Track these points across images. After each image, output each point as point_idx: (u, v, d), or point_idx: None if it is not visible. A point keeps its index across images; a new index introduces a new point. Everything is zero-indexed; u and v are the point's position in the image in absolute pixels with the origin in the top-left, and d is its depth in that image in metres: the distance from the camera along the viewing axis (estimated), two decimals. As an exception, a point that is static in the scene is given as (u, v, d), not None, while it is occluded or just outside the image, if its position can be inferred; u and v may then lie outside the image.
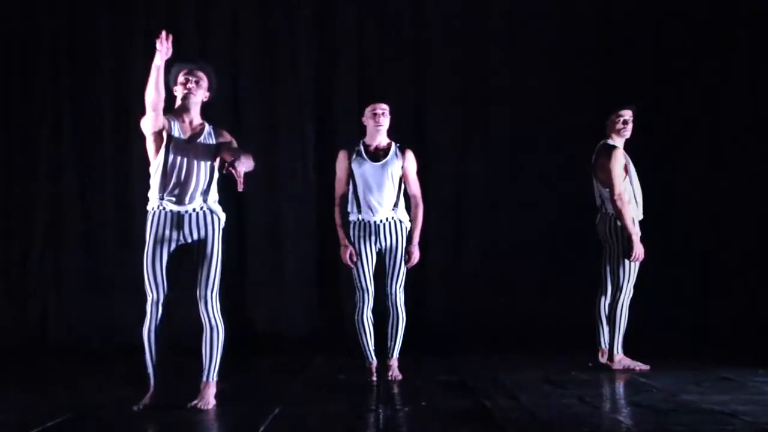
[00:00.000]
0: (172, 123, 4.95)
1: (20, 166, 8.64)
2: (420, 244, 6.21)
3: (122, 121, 8.61)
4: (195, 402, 4.91)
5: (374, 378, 6.07)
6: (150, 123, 4.89)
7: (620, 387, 5.68)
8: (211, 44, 8.71)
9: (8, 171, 8.64)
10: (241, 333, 8.12)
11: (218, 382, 5.01)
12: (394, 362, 6.14)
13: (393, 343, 6.12)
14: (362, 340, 6.14)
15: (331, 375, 6.43)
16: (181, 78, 5.01)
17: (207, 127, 5.08)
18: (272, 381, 6.27)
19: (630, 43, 8.69)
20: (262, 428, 4.38)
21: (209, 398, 4.94)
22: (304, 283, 8.70)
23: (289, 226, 8.73)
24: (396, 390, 5.68)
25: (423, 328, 7.86)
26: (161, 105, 4.85)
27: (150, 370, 4.96)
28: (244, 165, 4.81)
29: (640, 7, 8.73)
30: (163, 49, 4.72)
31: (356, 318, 6.14)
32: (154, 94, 4.79)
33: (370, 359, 6.16)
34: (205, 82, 5.03)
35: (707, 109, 8.65)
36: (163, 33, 4.72)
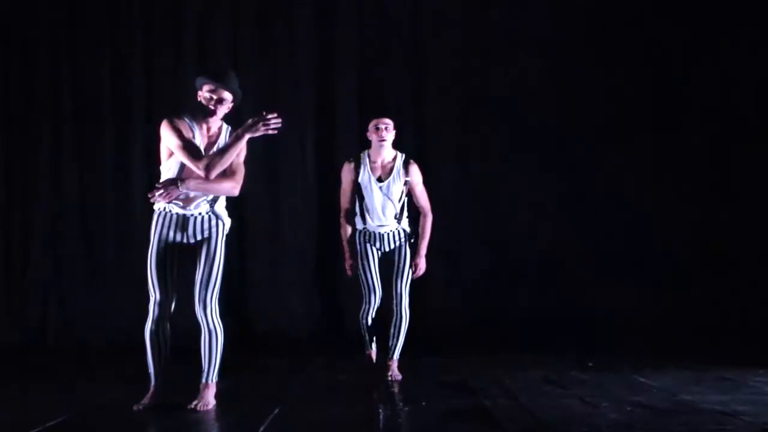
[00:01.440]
0: (193, 129, 4.92)
1: (20, 165, 8.64)
2: (427, 255, 6.21)
3: (123, 122, 8.62)
4: (194, 403, 4.90)
5: (372, 362, 6.16)
6: (186, 161, 4.82)
7: (620, 387, 5.67)
8: (211, 44, 8.72)
9: (8, 170, 8.64)
10: (241, 333, 8.13)
11: (218, 383, 5.01)
12: (394, 362, 6.15)
13: (394, 343, 6.13)
14: (364, 332, 6.20)
15: (331, 375, 6.43)
16: (206, 93, 4.91)
17: (224, 131, 5.01)
18: (272, 381, 6.27)
19: (631, 44, 8.71)
20: (262, 428, 4.38)
21: (209, 399, 4.94)
22: (304, 283, 8.71)
23: (289, 226, 8.73)
24: (396, 390, 5.69)
25: (423, 328, 7.86)
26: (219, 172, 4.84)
27: (151, 370, 4.95)
28: (181, 189, 4.82)
29: (639, 8, 8.75)
30: (261, 129, 4.73)
31: (360, 317, 6.17)
32: (222, 166, 4.80)
33: (369, 348, 6.21)
34: (228, 101, 4.97)
35: (709, 109, 8.67)
36: (274, 115, 4.74)
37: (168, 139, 4.87)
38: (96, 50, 8.67)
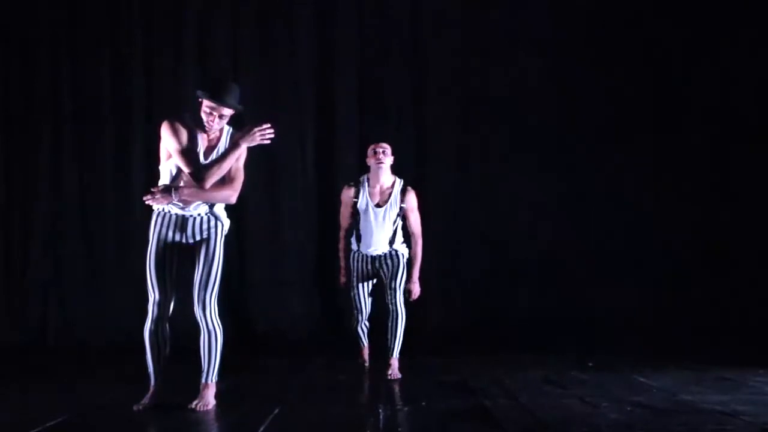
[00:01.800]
0: (194, 131, 4.90)
1: (20, 165, 8.64)
2: (420, 279, 6.32)
3: (123, 122, 8.62)
4: (195, 403, 4.90)
5: (366, 362, 6.39)
6: (182, 167, 4.84)
7: (620, 387, 5.67)
8: (211, 44, 8.71)
9: (8, 170, 8.63)
10: (241, 333, 8.13)
11: (218, 383, 5.01)
12: (394, 362, 6.17)
13: (393, 342, 6.17)
14: (356, 335, 6.44)
15: (331, 375, 6.43)
16: (206, 108, 4.91)
17: (225, 133, 5.00)
18: (272, 381, 6.27)
19: (631, 44, 8.71)
20: (262, 428, 4.38)
21: (209, 399, 4.94)
22: (304, 283, 8.71)
23: (289, 226, 8.73)
24: (396, 390, 5.69)
25: (423, 328, 7.87)
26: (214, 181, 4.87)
27: (150, 370, 4.95)
28: (174, 197, 4.83)
29: (639, 8, 8.74)
30: (258, 139, 4.83)
31: (352, 326, 6.40)
32: (218, 175, 4.84)
33: (363, 344, 6.42)
34: (228, 116, 4.96)
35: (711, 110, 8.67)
36: (267, 125, 4.82)
37: (167, 142, 4.88)
38: (96, 50, 8.66)
